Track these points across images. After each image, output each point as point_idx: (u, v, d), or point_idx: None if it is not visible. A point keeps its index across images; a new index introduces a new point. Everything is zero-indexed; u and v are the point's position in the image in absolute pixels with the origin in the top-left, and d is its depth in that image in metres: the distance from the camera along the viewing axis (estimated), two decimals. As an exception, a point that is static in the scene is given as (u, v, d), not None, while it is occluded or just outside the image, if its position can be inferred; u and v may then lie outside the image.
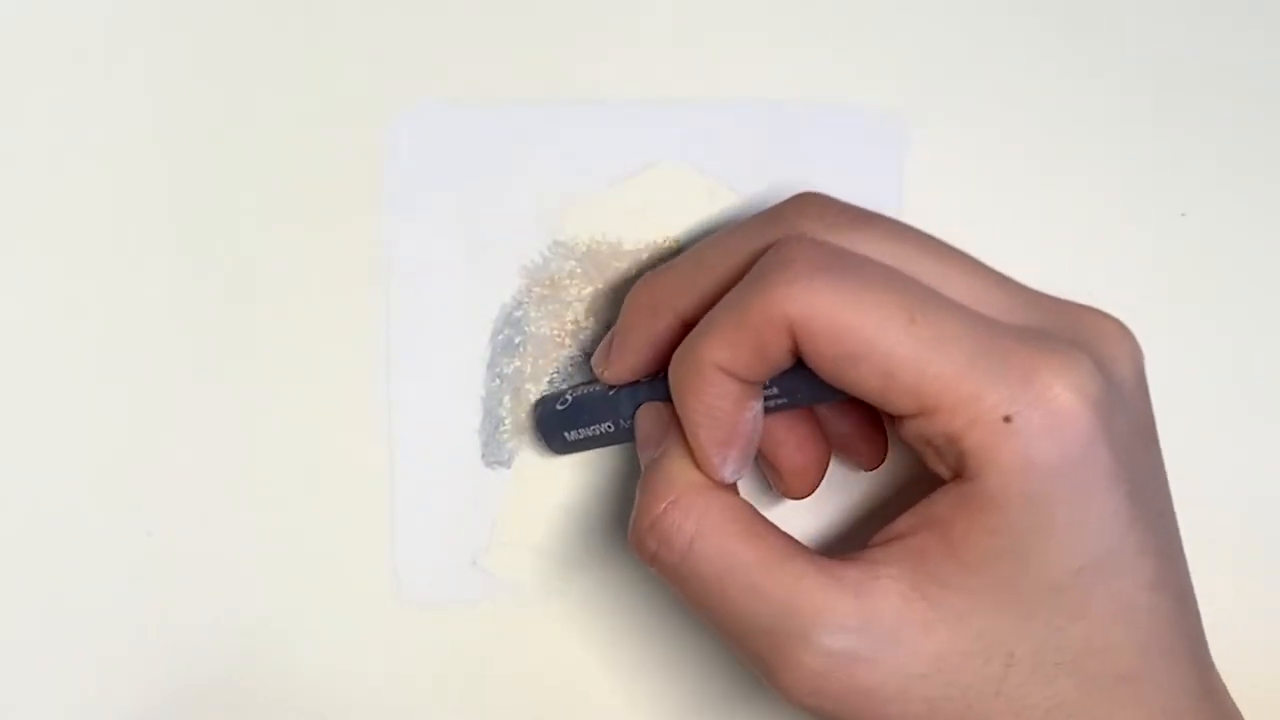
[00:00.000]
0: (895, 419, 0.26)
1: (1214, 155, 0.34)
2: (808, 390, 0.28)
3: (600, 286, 0.34)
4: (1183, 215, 0.33)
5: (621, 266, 0.33)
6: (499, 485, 0.34)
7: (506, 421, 0.34)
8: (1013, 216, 0.34)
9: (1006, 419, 0.25)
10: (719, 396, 0.27)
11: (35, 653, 0.34)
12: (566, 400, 0.32)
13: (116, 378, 0.33)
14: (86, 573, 0.34)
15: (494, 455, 0.34)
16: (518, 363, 0.34)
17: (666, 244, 0.33)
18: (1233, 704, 0.28)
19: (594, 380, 0.32)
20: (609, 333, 0.31)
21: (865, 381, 0.26)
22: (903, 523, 0.27)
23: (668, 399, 0.29)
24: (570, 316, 0.34)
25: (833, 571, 0.27)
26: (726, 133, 0.33)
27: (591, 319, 0.34)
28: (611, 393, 0.31)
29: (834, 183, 0.33)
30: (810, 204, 0.28)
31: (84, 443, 0.33)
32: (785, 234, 0.28)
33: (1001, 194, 0.34)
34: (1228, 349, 0.35)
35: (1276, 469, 0.35)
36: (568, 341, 0.34)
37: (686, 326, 0.29)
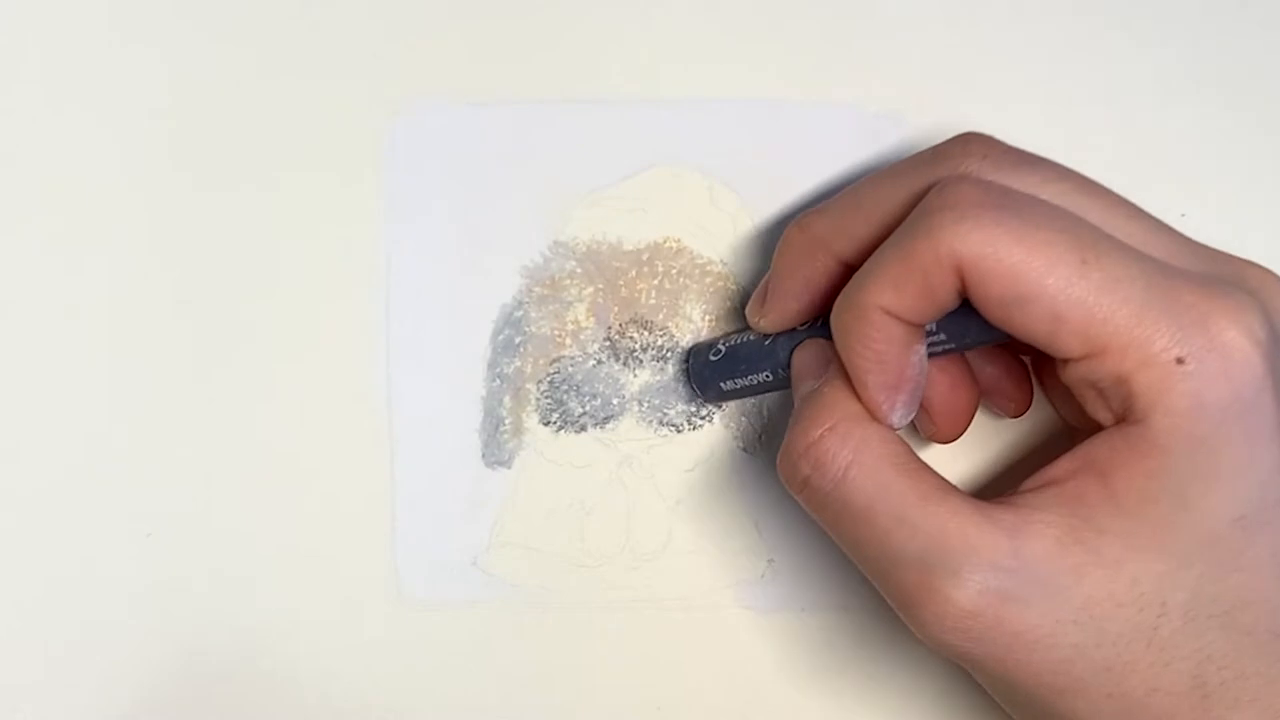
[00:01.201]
0: (1061, 362, 0.26)
1: (1214, 156, 0.34)
2: (971, 332, 0.28)
3: (600, 286, 0.34)
4: (1183, 215, 0.33)
5: (621, 266, 0.33)
6: (499, 485, 0.34)
7: (507, 421, 0.34)
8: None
9: (1179, 360, 0.25)
10: (885, 340, 0.27)
11: (35, 652, 0.34)
12: (720, 350, 0.32)
13: (117, 379, 0.33)
14: (86, 573, 0.34)
15: (494, 455, 0.34)
16: (518, 363, 0.34)
17: (668, 244, 0.33)
18: None
19: (746, 328, 0.32)
20: (763, 280, 0.31)
21: (1034, 323, 0.25)
22: (1059, 467, 0.27)
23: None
24: (571, 316, 0.34)
25: (988, 512, 0.26)
26: (726, 133, 0.33)
27: (592, 319, 0.34)
28: (768, 341, 0.31)
29: (834, 184, 0.33)
30: (975, 143, 0.28)
31: (84, 444, 0.33)
32: (949, 173, 0.27)
33: (1001, 194, 0.34)
34: None
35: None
36: (568, 341, 0.34)
37: (845, 269, 0.29)
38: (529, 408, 0.34)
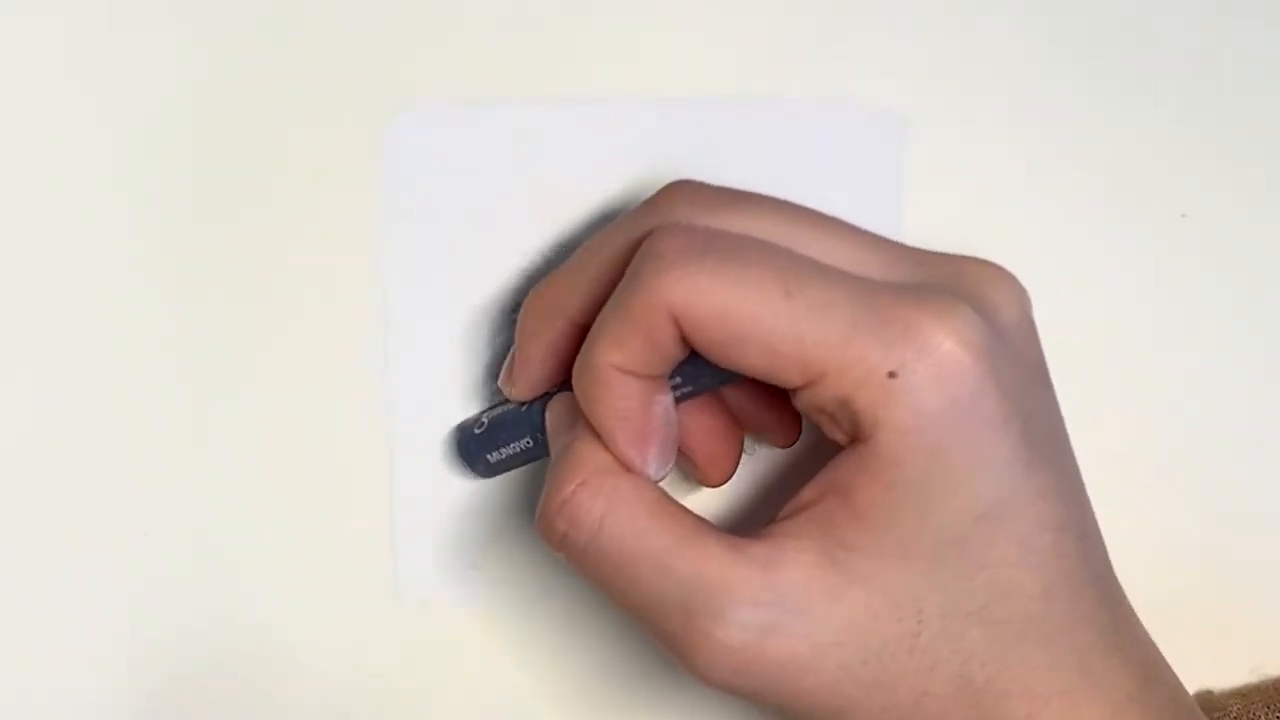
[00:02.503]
0: (790, 391, 0.26)
1: (1214, 156, 0.34)
2: (705, 375, 0.28)
3: (600, 287, 0.34)
4: (1183, 216, 0.33)
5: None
6: (499, 486, 0.34)
7: (506, 422, 0.34)
8: (1012, 216, 0.34)
9: (891, 374, 0.25)
10: (624, 397, 0.27)
11: (34, 653, 0.34)
12: (483, 423, 0.32)
13: (116, 379, 0.33)
14: (84, 573, 0.34)
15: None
16: (518, 363, 0.34)
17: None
18: (1146, 635, 0.28)
19: (504, 401, 0.32)
20: (510, 351, 0.31)
21: (752, 360, 0.26)
22: (807, 493, 0.27)
23: None
24: (570, 317, 0.34)
25: (741, 548, 0.27)
26: (727, 132, 0.33)
27: (591, 319, 0.34)
28: (524, 408, 0.31)
29: (833, 181, 0.33)
30: (681, 190, 0.28)
31: (82, 444, 0.33)
32: (659, 222, 0.28)
33: (1001, 194, 0.34)
34: (1228, 350, 0.35)
35: (1273, 473, 0.35)
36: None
37: (581, 330, 0.29)
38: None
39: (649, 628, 0.28)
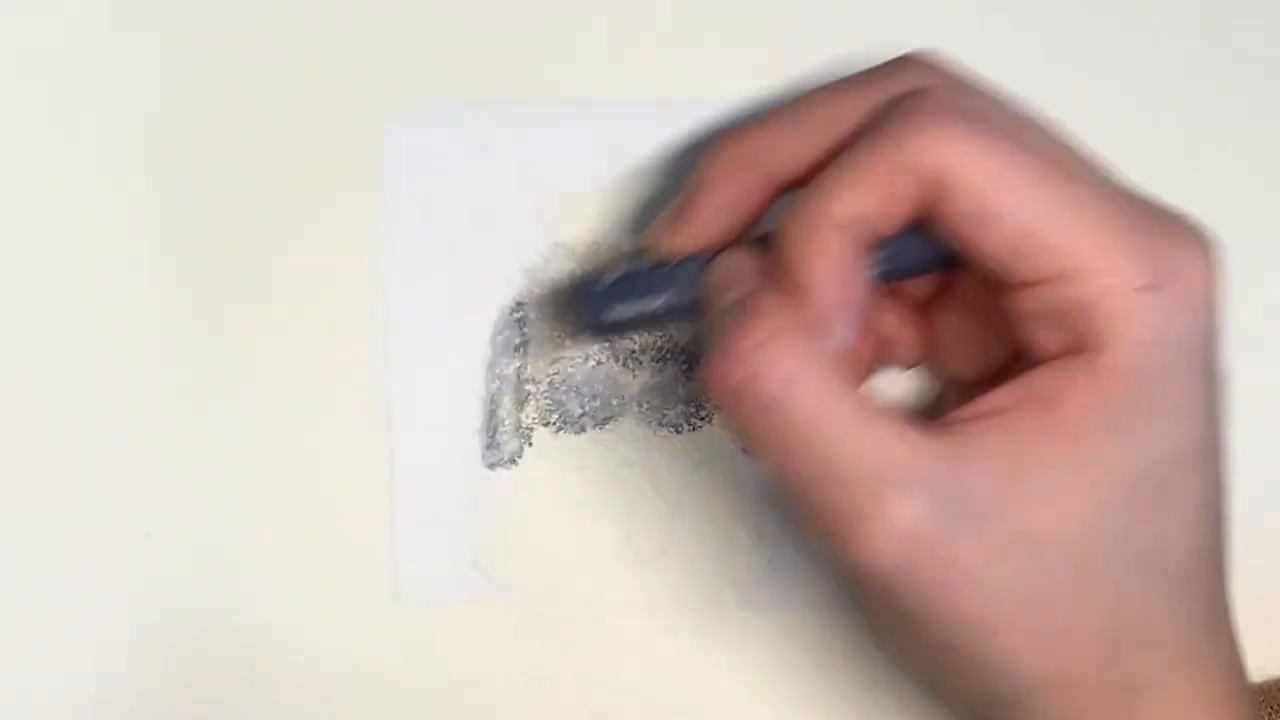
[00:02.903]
0: (1013, 288, 0.25)
1: (1215, 158, 0.34)
2: (906, 257, 0.27)
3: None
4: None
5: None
6: (499, 486, 0.34)
7: (506, 422, 0.34)
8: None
9: (1145, 290, 0.24)
10: (838, 255, 0.26)
11: (35, 653, 0.34)
12: (607, 280, 0.29)
13: (116, 379, 0.33)
14: (85, 574, 0.34)
15: (494, 456, 0.34)
16: (518, 363, 0.34)
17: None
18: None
19: (636, 261, 0.30)
20: (675, 200, 0.29)
21: (999, 241, 0.25)
22: (1000, 396, 0.26)
23: None
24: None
25: (932, 434, 0.25)
26: (727, 133, 0.33)
27: (592, 319, 0.34)
28: (670, 266, 0.29)
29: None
30: (932, 58, 0.27)
31: (83, 445, 0.33)
32: (908, 88, 0.26)
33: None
34: (1227, 350, 0.35)
35: (1273, 474, 0.35)
36: (567, 343, 0.34)
37: (773, 189, 0.28)
38: (529, 408, 0.34)
39: (813, 501, 0.26)
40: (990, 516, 0.25)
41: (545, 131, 0.33)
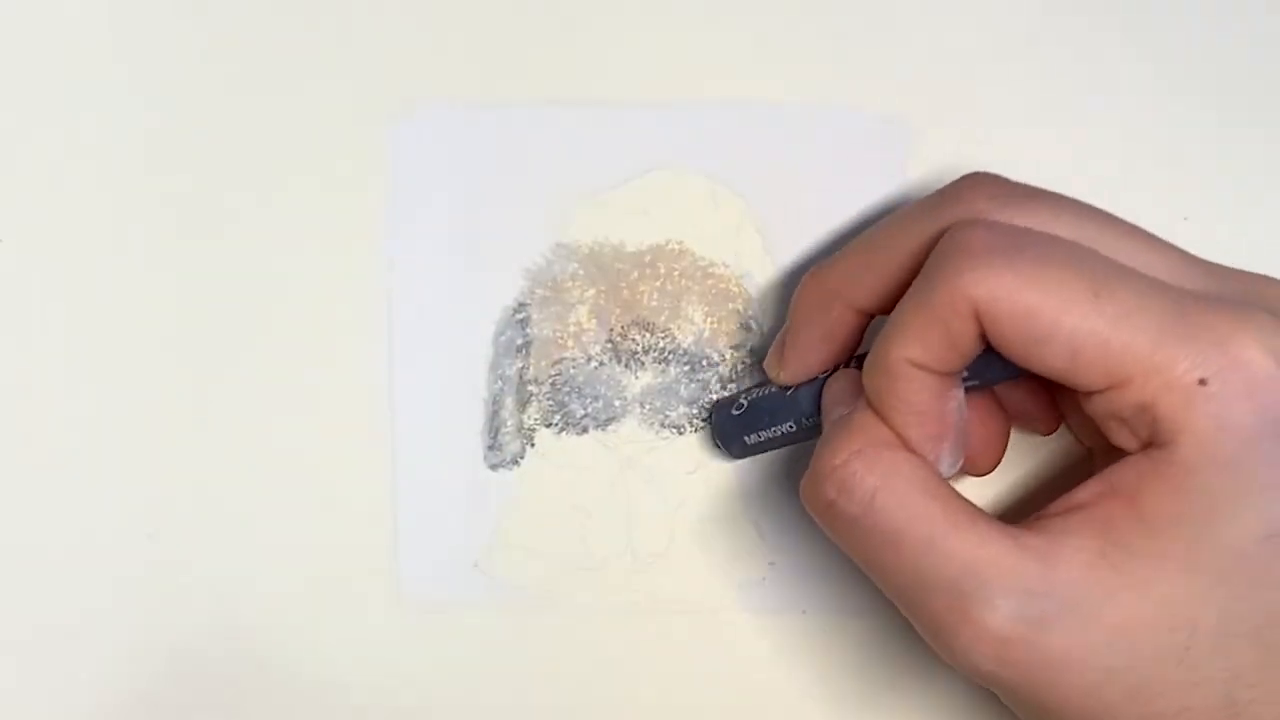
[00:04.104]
0: (1083, 394, 0.26)
1: (1215, 159, 0.34)
2: (995, 370, 0.28)
3: (603, 288, 0.34)
4: (1185, 219, 0.33)
5: (624, 268, 0.33)
6: (501, 487, 0.34)
7: (509, 423, 0.34)
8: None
9: (1201, 382, 0.25)
10: (919, 392, 0.27)
11: (36, 654, 0.34)
12: (742, 405, 0.32)
13: (119, 380, 0.33)
14: (87, 574, 0.34)
15: (496, 457, 0.34)
16: (520, 364, 0.34)
17: (670, 246, 0.33)
18: None
19: (765, 383, 0.32)
20: (780, 332, 0.31)
21: (1053, 361, 0.25)
22: (1084, 491, 0.27)
23: None
24: (573, 319, 0.34)
25: (1017, 536, 0.26)
26: (730, 136, 0.33)
27: (594, 321, 0.34)
28: (789, 392, 0.31)
29: (837, 187, 0.33)
30: (982, 183, 0.28)
31: (85, 446, 0.33)
32: (959, 216, 0.27)
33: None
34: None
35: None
36: (570, 343, 0.34)
37: (861, 317, 0.29)
38: (531, 409, 0.34)
39: (910, 607, 0.27)
40: (1083, 612, 0.25)
41: (548, 133, 0.33)
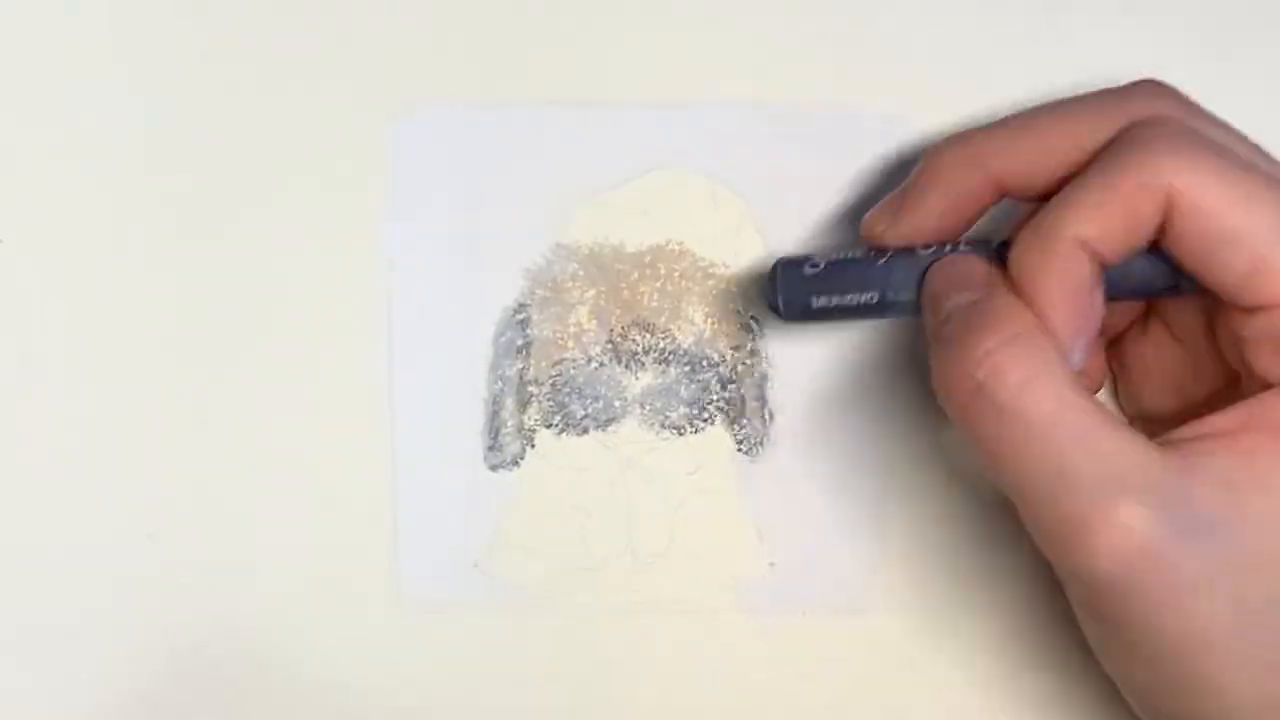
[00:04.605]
0: (1242, 311, 0.26)
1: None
2: (1136, 281, 0.27)
3: (603, 289, 0.34)
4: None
5: (624, 269, 0.33)
6: (501, 488, 0.34)
7: (509, 424, 0.34)
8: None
9: None
10: (1079, 276, 0.26)
11: (36, 654, 0.34)
12: (818, 264, 0.29)
13: (119, 380, 0.33)
14: (88, 574, 0.34)
15: (496, 458, 0.34)
16: (520, 365, 0.34)
17: (670, 246, 0.33)
18: None
19: (843, 249, 0.30)
20: (893, 193, 0.30)
21: (1232, 264, 0.25)
22: (1225, 419, 0.26)
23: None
24: (573, 319, 0.34)
25: (1162, 449, 0.26)
26: (729, 136, 0.33)
27: (594, 321, 0.34)
28: (882, 261, 0.29)
29: (836, 188, 0.33)
30: (1165, 88, 0.28)
31: (85, 446, 0.33)
32: (1143, 115, 0.27)
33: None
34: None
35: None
36: (570, 344, 0.34)
37: (997, 195, 0.28)
38: (531, 410, 0.34)
39: (1041, 503, 0.26)
40: (1216, 534, 0.25)
41: (548, 133, 0.33)
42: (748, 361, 0.34)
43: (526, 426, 0.34)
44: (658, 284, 0.34)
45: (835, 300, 0.29)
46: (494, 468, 0.34)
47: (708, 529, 0.34)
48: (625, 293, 0.34)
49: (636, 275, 0.34)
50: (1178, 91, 0.28)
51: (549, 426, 0.34)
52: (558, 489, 0.34)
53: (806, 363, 0.34)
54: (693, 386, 0.34)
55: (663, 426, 0.34)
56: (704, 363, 0.34)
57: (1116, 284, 0.27)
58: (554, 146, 0.33)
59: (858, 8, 0.33)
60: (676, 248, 0.34)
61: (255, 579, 0.34)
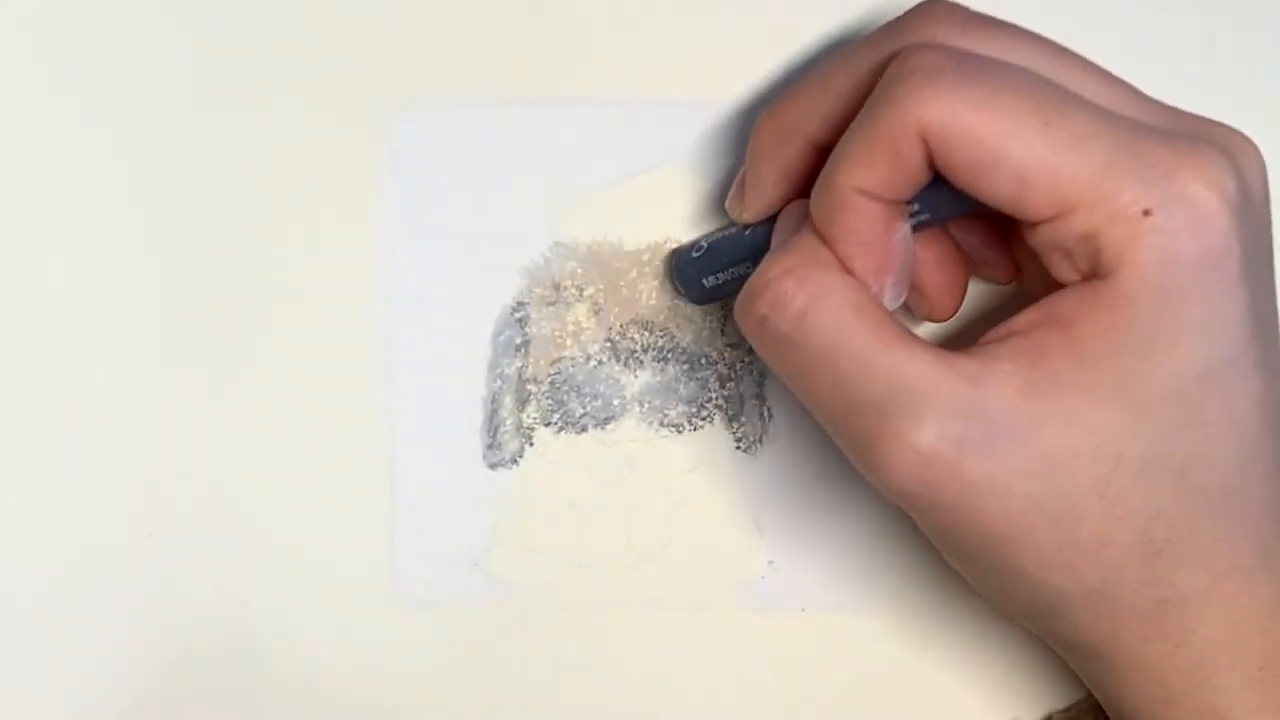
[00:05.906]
0: (1028, 226, 0.26)
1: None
2: (949, 202, 0.27)
3: (601, 287, 0.34)
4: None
5: (622, 267, 0.34)
6: (500, 486, 0.34)
7: (508, 422, 0.34)
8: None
9: (1146, 213, 0.24)
10: (865, 221, 0.26)
11: (36, 653, 0.34)
12: (701, 247, 0.32)
13: (117, 379, 0.33)
14: (87, 574, 0.34)
15: (495, 456, 0.34)
16: (519, 363, 0.34)
17: (669, 244, 0.33)
18: None
19: (727, 225, 0.32)
20: (740, 172, 0.31)
21: (1000, 188, 0.25)
22: (1021, 319, 0.26)
23: None
24: (572, 317, 0.34)
25: (948, 359, 0.26)
26: (728, 134, 0.33)
27: (593, 320, 0.34)
28: (748, 232, 0.31)
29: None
30: (936, 9, 0.28)
31: (84, 444, 0.33)
32: (910, 42, 0.27)
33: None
34: None
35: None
36: (569, 342, 0.34)
37: (819, 151, 0.28)
38: (530, 408, 0.34)
39: (837, 427, 0.27)
40: (1010, 437, 0.25)
41: (546, 131, 0.33)
42: (746, 359, 0.34)
43: (525, 425, 0.34)
44: (656, 282, 0.34)
45: (723, 277, 0.31)
46: (493, 466, 0.34)
47: (707, 527, 0.34)
48: (624, 291, 0.34)
49: (635, 273, 0.34)
50: (953, 7, 0.28)
51: (548, 425, 0.34)
52: (556, 487, 0.34)
53: (805, 360, 0.34)
54: (691, 384, 0.34)
55: (661, 424, 0.34)
56: (703, 361, 0.34)
57: (932, 208, 0.28)
58: (553, 144, 0.33)
59: (857, 7, 0.33)
60: (675, 246, 0.34)
61: (254, 578, 0.34)
